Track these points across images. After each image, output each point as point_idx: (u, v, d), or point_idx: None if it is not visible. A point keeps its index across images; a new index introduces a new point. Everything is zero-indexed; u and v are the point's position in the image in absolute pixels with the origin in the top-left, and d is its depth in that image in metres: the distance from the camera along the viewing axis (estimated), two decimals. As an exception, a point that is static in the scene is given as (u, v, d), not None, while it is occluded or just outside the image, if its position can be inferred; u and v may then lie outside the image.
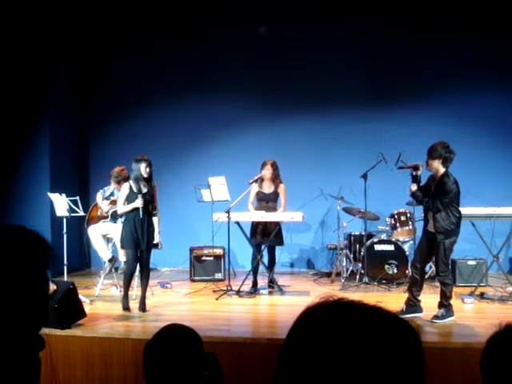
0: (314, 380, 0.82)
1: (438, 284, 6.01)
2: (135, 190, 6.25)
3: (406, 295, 5.98)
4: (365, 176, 7.46)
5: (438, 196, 5.52)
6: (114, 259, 7.17)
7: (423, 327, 5.26)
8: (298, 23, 9.23)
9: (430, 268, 7.54)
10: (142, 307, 6.23)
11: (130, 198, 6.25)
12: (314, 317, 0.88)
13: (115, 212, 7.07)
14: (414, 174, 5.78)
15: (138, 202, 6.17)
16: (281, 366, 0.87)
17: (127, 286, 6.28)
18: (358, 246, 8.14)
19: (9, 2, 8.21)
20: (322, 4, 9.17)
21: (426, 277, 7.38)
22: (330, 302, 0.90)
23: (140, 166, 6.23)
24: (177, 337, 2.34)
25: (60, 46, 9.15)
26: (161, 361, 2.24)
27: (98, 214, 7.52)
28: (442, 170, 5.58)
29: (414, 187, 5.69)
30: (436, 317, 5.61)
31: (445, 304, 5.64)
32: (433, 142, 5.68)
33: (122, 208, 6.31)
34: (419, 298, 5.86)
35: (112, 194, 7.40)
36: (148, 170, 6.25)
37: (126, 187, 6.34)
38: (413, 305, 5.81)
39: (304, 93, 9.12)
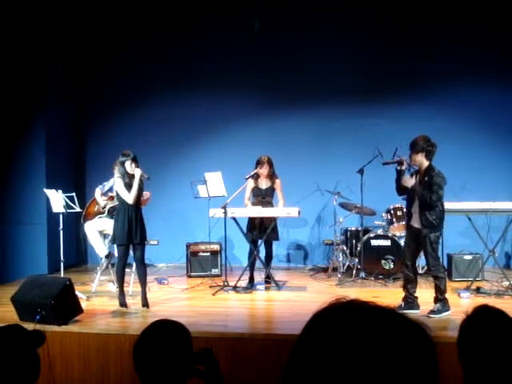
0: (325, 381, 0.82)
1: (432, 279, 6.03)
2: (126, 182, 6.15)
3: (403, 292, 5.99)
4: (361, 171, 7.46)
5: (429, 191, 5.53)
6: (110, 255, 7.15)
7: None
8: (297, 20, 9.19)
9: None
10: (145, 303, 6.20)
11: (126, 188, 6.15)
12: (328, 317, 0.88)
13: (112, 208, 7.05)
14: (399, 168, 5.82)
15: (138, 173, 6.06)
16: (291, 366, 0.86)
17: (121, 282, 6.25)
18: (354, 241, 8.15)
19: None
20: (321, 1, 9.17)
21: (422, 272, 7.42)
22: (344, 303, 0.89)
23: (125, 163, 6.12)
24: (163, 332, 2.34)
25: (57, 44, 9.10)
26: (149, 356, 2.24)
27: (96, 209, 7.50)
28: (425, 163, 5.63)
29: (412, 181, 5.67)
30: (432, 311, 5.63)
31: (440, 298, 5.66)
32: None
33: (130, 194, 6.08)
34: (416, 294, 5.88)
35: (111, 190, 7.34)
36: (133, 166, 6.13)
37: (119, 179, 6.17)
38: (410, 302, 5.83)
39: (301, 88, 9.09)
